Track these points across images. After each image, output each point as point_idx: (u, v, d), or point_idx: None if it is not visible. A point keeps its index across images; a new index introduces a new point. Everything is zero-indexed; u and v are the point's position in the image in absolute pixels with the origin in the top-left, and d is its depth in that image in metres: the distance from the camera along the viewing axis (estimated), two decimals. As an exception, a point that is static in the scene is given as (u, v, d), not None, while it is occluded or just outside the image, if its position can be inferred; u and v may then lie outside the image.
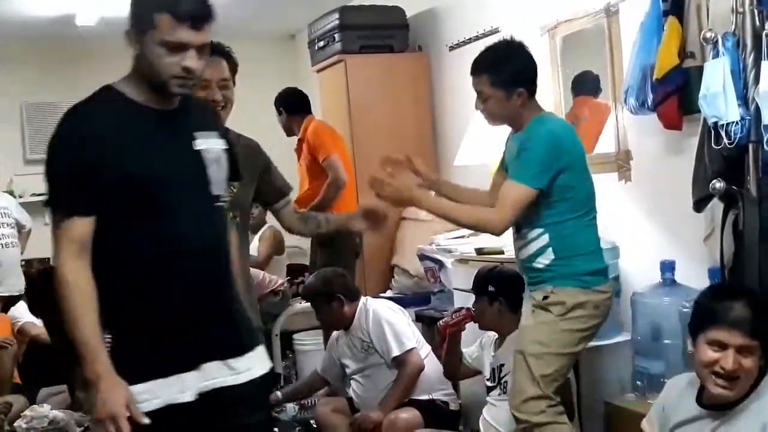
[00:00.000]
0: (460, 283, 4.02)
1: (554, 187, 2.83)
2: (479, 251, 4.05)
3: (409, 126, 5.36)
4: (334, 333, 4.22)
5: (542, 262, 2.90)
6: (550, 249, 2.88)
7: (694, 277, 3.21)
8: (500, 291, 3.43)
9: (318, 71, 5.70)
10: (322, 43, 5.54)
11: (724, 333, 2.22)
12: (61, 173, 1.97)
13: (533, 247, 2.92)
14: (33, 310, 5.21)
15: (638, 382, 3.33)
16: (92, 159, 1.94)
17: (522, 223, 2.93)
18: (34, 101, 6.91)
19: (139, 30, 1.98)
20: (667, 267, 3.30)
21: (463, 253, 4.23)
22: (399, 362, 3.87)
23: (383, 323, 3.92)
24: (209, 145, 2.08)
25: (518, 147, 2.89)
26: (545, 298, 2.88)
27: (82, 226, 1.94)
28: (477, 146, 4.31)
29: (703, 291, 2.51)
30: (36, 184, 6.86)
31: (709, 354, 2.24)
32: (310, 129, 4.96)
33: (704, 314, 2.30)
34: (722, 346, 2.22)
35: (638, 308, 3.34)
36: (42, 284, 4.54)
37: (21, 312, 5.34)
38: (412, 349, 3.87)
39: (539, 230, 2.89)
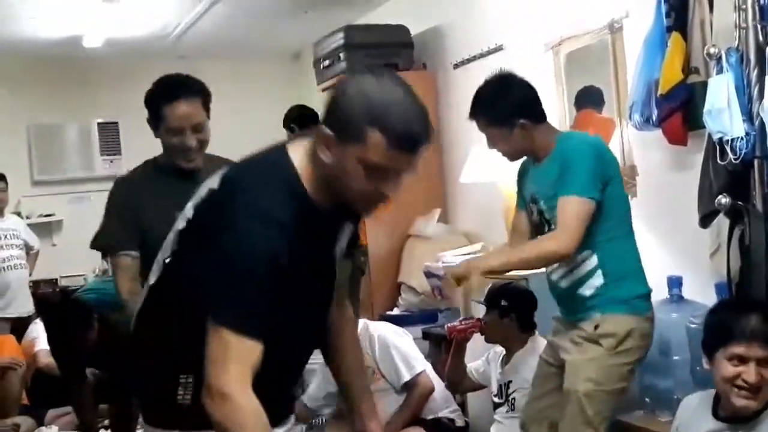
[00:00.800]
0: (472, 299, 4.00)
1: (602, 200, 2.69)
2: (486, 268, 4.03)
3: (415, 144, 5.36)
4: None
5: (592, 286, 2.75)
6: (600, 272, 2.73)
7: (701, 293, 3.20)
8: (512, 306, 3.43)
9: (323, 90, 5.71)
10: (327, 62, 5.56)
11: (743, 347, 2.25)
12: (252, 291, 1.65)
13: (581, 272, 2.76)
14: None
15: (646, 399, 3.31)
16: (274, 284, 1.66)
17: None
18: (41, 122, 6.95)
19: (341, 138, 1.65)
20: (675, 283, 3.29)
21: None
22: (410, 386, 3.82)
23: (391, 349, 3.84)
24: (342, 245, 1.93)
25: (558, 167, 2.73)
26: (596, 327, 2.74)
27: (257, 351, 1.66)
28: (483, 164, 4.31)
29: (713, 307, 2.51)
30: (43, 205, 6.92)
31: (730, 369, 2.27)
32: None
33: (720, 330, 2.32)
34: (742, 360, 2.25)
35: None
36: (55, 310, 4.51)
37: (40, 335, 5.32)
38: (422, 372, 3.83)
39: (587, 252, 2.73)
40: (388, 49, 5.41)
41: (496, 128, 2.80)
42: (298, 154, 1.73)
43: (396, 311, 5.10)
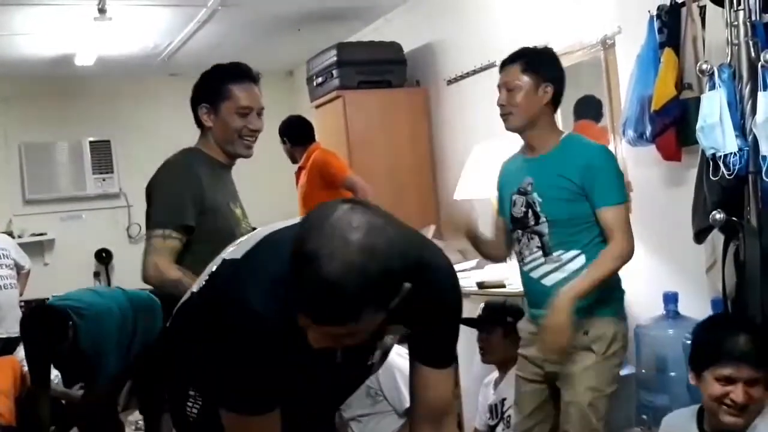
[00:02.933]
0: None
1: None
2: (481, 285, 4.03)
3: (409, 160, 5.37)
4: None
5: None
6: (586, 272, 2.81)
7: (697, 309, 3.19)
8: (516, 322, 3.42)
9: (316, 107, 5.72)
10: (320, 79, 5.57)
11: (731, 369, 2.28)
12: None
13: (568, 270, 2.83)
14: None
15: (643, 416, 3.29)
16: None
17: (553, 245, 2.85)
18: (32, 141, 6.92)
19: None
20: (670, 299, 3.29)
21: (464, 287, 4.19)
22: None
23: (395, 371, 3.80)
24: None
25: (582, 168, 2.80)
26: (585, 333, 2.81)
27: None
28: (476, 180, 4.31)
29: (701, 324, 2.52)
30: (35, 224, 6.89)
31: (718, 388, 2.30)
32: (318, 158, 4.90)
33: (708, 350, 2.35)
34: (730, 380, 2.28)
35: (642, 341, 3.32)
36: (28, 317, 4.46)
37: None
38: None
39: (575, 252, 2.83)
40: (380, 66, 5.42)
41: (528, 76, 2.87)
42: None
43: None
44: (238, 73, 2.81)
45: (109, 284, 6.94)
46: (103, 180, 7.07)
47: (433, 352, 1.82)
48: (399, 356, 3.94)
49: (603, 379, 2.81)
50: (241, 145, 2.80)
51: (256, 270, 1.63)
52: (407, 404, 3.71)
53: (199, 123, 2.85)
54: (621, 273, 3.47)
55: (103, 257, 7.01)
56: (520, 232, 2.94)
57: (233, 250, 1.76)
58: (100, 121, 7.03)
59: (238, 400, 1.63)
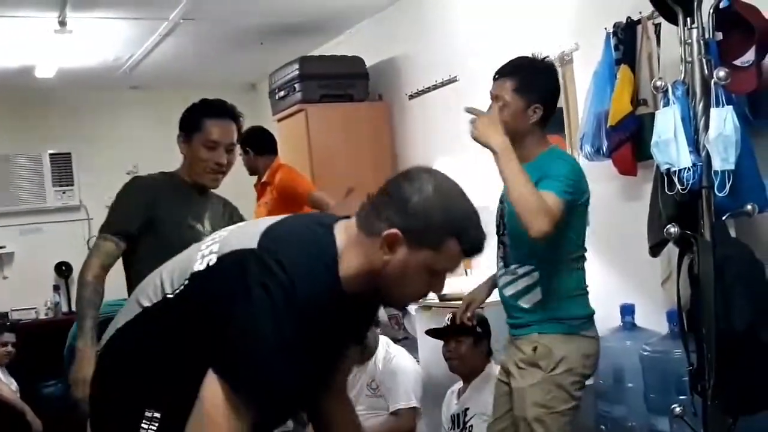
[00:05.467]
0: (424, 329, 4.03)
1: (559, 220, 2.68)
2: (442, 298, 4.05)
3: (371, 174, 5.37)
4: None
5: (530, 301, 2.81)
6: (539, 289, 2.79)
7: (654, 321, 3.26)
8: (485, 332, 3.45)
9: (279, 120, 5.73)
10: (282, 93, 5.58)
11: None
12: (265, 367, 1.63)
13: (521, 284, 2.83)
14: None
15: (602, 427, 3.34)
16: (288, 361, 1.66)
17: (511, 258, 2.86)
18: (-8, 153, 6.85)
19: (414, 242, 1.65)
20: (627, 310, 3.34)
21: (426, 300, 4.23)
22: (396, 414, 3.86)
23: (398, 372, 3.91)
24: None
25: (539, 174, 2.72)
26: (534, 349, 2.79)
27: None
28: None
29: None
30: (-5, 236, 6.81)
31: None
32: (284, 176, 4.87)
33: None
34: None
35: (600, 352, 3.36)
36: None
37: None
38: (412, 408, 3.88)
39: (529, 267, 2.80)
40: (343, 80, 5.45)
41: (519, 97, 2.78)
42: (343, 237, 1.72)
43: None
44: (218, 109, 2.97)
45: (68, 298, 6.87)
46: (63, 193, 7.01)
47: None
48: (404, 357, 4.00)
49: (552, 396, 2.76)
50: (206, 177, 2.97)
51: (286, 258, 1.63)
52: (396, 405, 3.79)
53: None
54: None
55: (63, 270, 6.93)
56: (497, 239, 2.94)
57: (222, 246, 1.75)
58: (61, 133, 6.97)
59: (254, 380, 1.60)
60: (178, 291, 1.75)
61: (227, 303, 1.64)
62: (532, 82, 2.80)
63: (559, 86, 2.95)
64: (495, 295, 3.60)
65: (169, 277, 1.79)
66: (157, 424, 1.75)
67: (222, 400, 1.60)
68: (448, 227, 1.65)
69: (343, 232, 1.73)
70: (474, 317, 3.31)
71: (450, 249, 1.66)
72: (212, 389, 1.62)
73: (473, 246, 1.67)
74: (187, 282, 1.75)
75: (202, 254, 1.77)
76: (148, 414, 1.76)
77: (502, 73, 2.86)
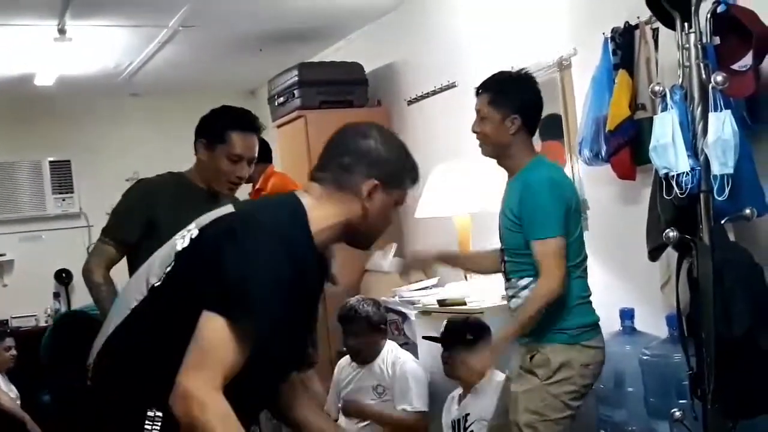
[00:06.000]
0: (423, 334, 4.03)
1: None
2: (441, 303, 4.06)
3: (370, 179, 5.40)
4: (341, 362, 4.19)
5: None
6: None
7: (654, 325, 3.25)
8: (477, 339, 3.46)
9: (278, 127, 5.74)
10: (282, 99, 5.59)
11: None
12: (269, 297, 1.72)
13: (522, 297, 2.89)
14: None
15: (602, 431, 3.34)
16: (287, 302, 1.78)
17: (510, 271, 2.92)
18: (-9, 161, 6.86)
19: (388, 186, 1.90)
20: (627, 315, 3.34)
21: (425, 305, 4.24)
22: (408, 413, 3.89)
23: (408, 376, 3.93)
24: None
25: (519, 199, 2.86)
26: (532, 358, 2.84)
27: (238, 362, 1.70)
28: (437, 199, 4.35)
29: None
30: (-6, 244, 6.81)
31: None
32: (277, 182, 4.89)
33: None
34: None
35: (604, 361, 3.36)
36: None
37: None
38: (422, 413, 3.89)
39: (528, 279, 2.87)
40: (342, 86, 5.46)
41: (495, 110, 2.90)
42: (306, 199, 1.87)
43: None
44: (243, 122, 3.00)
45: (69, 305, 6.87)
46: (63, 200, 7.01)
47: None
48: (413, 362, 4.01)
49: (545, 404, 2.80)
50: (223, 186, 3.00)
51: (265, 217, 1.80)
52: (409, 406, 3.80)
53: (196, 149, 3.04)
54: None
55: (63, 278, 6.94)
56: (501, 253, 3.03)
57: (200, 221, 1.86)
58: (61, 141, 6.98)
59: (250, 309, 1.66)
60: (164, 276, 1.80)
61: (217, 258, 1.70)
62: (507, 94, 2.92)
63: (538, 96, 3.00)
64: (496, 300, 3.64)
65: (151, 270, 1.85)
66: (160, 423, 1.76)
67: (221, 331, 1.65)
68: (406, 165, 1.92)
69: (305, 195, 1.88)
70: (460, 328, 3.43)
71: (408, 184, 1.93)
72: (210, 325, 1.66)
73: (417, 180, 1.95)
74: (172, 263, 1.80)
75: (182, 235, 1.84)
76: (150, 414, 1.77)
77: (479, 88, 2.98)
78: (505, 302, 3.11)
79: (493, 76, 3.02)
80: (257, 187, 4.92)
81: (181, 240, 1.83)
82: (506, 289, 3.00)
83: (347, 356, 4.19)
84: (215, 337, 1.66)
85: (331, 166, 1.89)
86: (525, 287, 2.87)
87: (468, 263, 3.46)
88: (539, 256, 2.80)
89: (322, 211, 1.85)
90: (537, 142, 4.08)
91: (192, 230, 1.84)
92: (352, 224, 1.88)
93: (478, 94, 2.98)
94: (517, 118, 2.89)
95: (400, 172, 1.91)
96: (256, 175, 4.96)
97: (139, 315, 1.82)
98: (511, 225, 2.91)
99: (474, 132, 3.01)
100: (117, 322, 1.86)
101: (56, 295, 6.96)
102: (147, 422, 1.77)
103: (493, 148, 2.97)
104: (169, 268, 1.80)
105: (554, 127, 4.01)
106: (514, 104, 2.90)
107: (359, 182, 1.85)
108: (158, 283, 1.80)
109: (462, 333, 3.51)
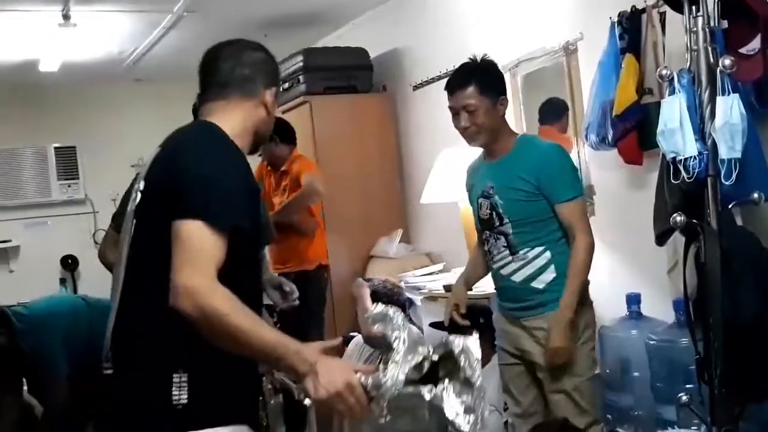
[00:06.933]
0: (429, 320, 4.03)
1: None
2: (448, 288, 4.06)
3: (376, 165, 5.40)
4: (353, 344, 4.16)
5: (544, 281, 2.96)
6: (552, 266, 2.95)
7: (660, 310, 3.25)
8: (488, 324, 3.46)
9: (283, 112, 5.70)
10: (286, 85, 5.56)
11: None
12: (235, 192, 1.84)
13: (534, 267, 2.96)
14: None
15: (608, 416, 3.34)
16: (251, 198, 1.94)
17: (518, 244, 2.97)
18: (-4, 147, 6.86)
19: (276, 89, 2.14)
20: (633, 300, 3.33)
21: (431, 290, 4.24)
22: None
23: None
24: None
25: (535, 167, 2.92)
26: None
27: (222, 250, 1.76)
28: (443, 184, 4.35)
29: None
30: (1, 230, 6.82)
31: None
32: (303, 165, 4.82)
33: None
34: None
35: (606, 342, 3.37)
36: None
37: None
38: None
39: (540, 248, 2.95)
40: (347, 72, 5.44)
41: (486, 97, 2.97)
42: (215, 117, 1.99)
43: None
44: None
45: (75, 291, 6.88)
46: (69, 186, 7.02)
47: None
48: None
49: (581, 364, 2.94)
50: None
51: (202, 134, 1.95)
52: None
53: None
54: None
55: (69, 264, 6.95)
56: (488, 232, 3.06)
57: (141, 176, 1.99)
58: (65, 127, 6.98)
59: (220, 205, 1.76)
60: (131, 237, 1.89)
61: (176, 180, 1.79)
62: (490, 80, 3.01)
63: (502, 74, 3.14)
64: (484, 287, 3.62)
65: (124, 239, 1.92)
66: (187, 385, 1.78)
67: (200, 230, 1.71)
68: (278, 68, 2.19)
69: (211, 116, 2.00)
70: (468, 313, 3.40)
71: (279, 84, 2.18)
72: (185, 228, 1.72)
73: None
74: (134, 222, 1.90)
75: (134, 198, 1.94)
76: (176, 379, 1.79)
77: (458, 85, 3.01)
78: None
79: (466, 68, 3.05)
80: (284, 168, 4.84)
81: (134, 199, 1.93)
82: (505, 264, 3.01)
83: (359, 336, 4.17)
84: (197, 236, 1.71)
85: (233, 81, 2.04)
86: (536, 257, 2.95)
87: (472, 281, 3.41)
88: (570, 216, 2.92)
89: (234, 122, 1.98)
90: (536, 126, 4.12)
91: (139, 185, 1.93)
92: (258, 129, 2.05)
93: (456, 90, 3.00)
94: (504, 99, 3.02)
95: (276, 74, 2.15)
96: (285, 155, 4.86)
97: (132, 280, 1.87)
98: (524, 195, 2.95)
99: (464, 128, 3.02)
100: (117, 298, 1.90)
101: (62, 281, 6.97)
102: (174, 388, 1.78)
103: (488, 134, 3.02)
104: (132, 231, 1.89)
105: (553, 112, 4.01)
106: (499, 87, 3.02)
107: (262, 90, 2.05)
108: (130, 250, 1.88)
109: (476, 318, 3.51)
